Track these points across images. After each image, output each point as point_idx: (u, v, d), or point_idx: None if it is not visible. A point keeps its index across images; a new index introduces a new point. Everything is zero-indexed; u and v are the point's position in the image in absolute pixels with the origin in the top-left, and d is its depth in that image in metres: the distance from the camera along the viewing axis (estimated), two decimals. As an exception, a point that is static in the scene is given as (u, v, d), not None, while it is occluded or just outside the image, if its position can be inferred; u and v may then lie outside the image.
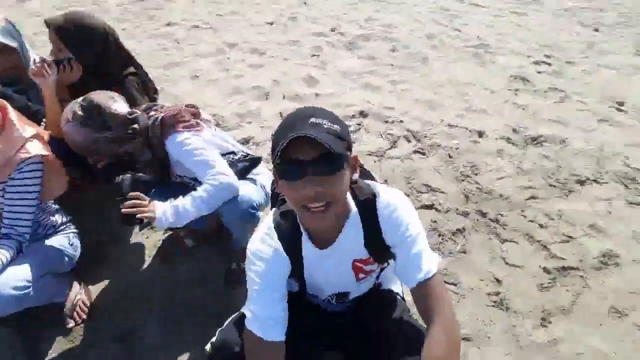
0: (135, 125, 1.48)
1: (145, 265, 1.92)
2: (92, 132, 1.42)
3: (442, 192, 2.34)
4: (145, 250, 1.99)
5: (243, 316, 1.07)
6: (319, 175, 0.91)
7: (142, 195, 1.41)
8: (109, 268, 1.89)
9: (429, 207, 2.25)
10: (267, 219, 1.15)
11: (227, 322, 1.17)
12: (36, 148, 1.44)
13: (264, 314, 1.03)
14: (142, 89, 1.90)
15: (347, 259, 1.15)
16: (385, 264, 1.25)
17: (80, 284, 1.73)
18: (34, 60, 1.76)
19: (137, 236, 2.06)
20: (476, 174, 2.45)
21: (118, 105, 1.48)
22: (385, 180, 2.42)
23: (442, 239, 2.06)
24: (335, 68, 3.58)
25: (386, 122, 2.91)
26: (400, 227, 1.06)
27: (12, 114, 1.41)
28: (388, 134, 2.80)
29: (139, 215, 1.34)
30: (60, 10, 3.47)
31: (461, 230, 2.10)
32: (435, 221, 2.16)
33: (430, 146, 2.69)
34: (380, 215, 1.08)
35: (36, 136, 1.45)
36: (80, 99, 1.45)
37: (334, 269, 1.16)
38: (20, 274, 1.35)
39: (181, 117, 1.53)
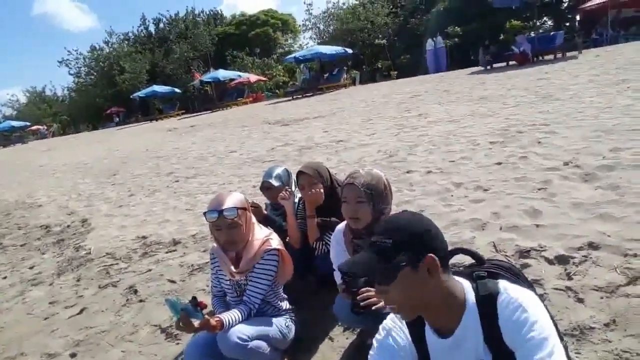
0: None
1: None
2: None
3: None
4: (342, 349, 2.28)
5: None
6: (377, 284, 1.13)
7: (372, 289, 1.70)
8: (312, 354, 2.25)
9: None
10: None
11: None
12: (276, 243, 2.09)
13: None
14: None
15: (471, 357, 1.13)
16: None
17: (286, 362, 2.14)
18: (286, 189, 2.59)
19: (340, 336, 2.38)
20: None
21: None
22: (614, 321, 1.99)
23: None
24: (566, 200, 3.31)
25: (625, 255, 2.44)
26: (523, 328, 1.01)
27: (253, 218, 2.13)
28: (626, 268, 2.33)
29: (374, 307, 1.65)
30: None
31: None
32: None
33: (696, 286, 2.07)
34: (500, 314, 1.07)
35: (272, 234, 2.11)
36: None
37: None
38: (245, 330, 1.87)
39: None
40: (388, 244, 1.10)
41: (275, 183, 2.75)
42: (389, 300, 1.12)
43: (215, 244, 2.16)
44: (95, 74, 43.94)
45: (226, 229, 1.97)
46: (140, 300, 3.33)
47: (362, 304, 1.66)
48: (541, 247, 2.70)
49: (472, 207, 3.65)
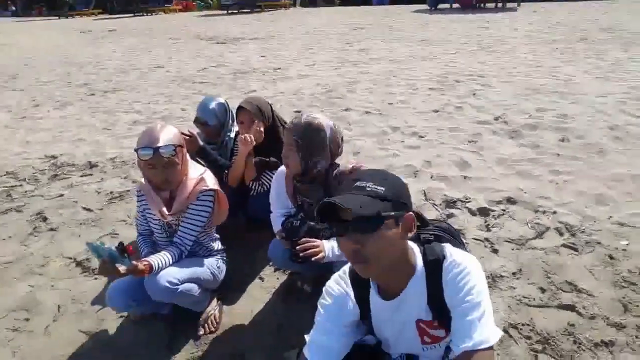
0: None
1: (270, 300, 2.21)
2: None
3: (591, 295, 2.00)
4: (272, 289, 2.29)
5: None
6: (357, 233, 1.00)
7: (314, 239, 1.69)
8: (242, 294, 2.24)
9: (568, 307, 1.95)
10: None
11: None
12: (211, 182, 1.94)
13: (320, 342, 1.13)
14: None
15: (412, 317, 1.16)
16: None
17: (217, 302, 2.11)
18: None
19: (270, 277, 2.39)
20: (647, 285, 2.01)
21: None
22: (520, 270, 2.21)
23: (579, 348, 1.74)
24: (492, 154, 3.51)
25: (536, 211, 2.68)
26: (462, 290, 1.05)
27: (186, 155, 1.94)
28: (535, 223, 2.57)
29: (313, 258, 1.63)
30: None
31: (608, 344, 1.74)
32: (572, 324, 1.85)
33: (587, 243, 2.35)
34: (445, 276, 1.09)
35: (206, 172, 1.97)
36: None
37: (399, 325, 1.18)
38: (175, 273, 1.78)
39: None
40: (380, 190, 1.02)
41: (212, 121, 2.51)
42: (362, 254, 1.01)
43: (143, 181, 1.95)
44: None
45: (162, 168, 1.78)
46: (51, 229, 3.03)
47: (302, 254, 1.63)
48: (466, 199, 2.87)
49: (407, 153, 3.74)
